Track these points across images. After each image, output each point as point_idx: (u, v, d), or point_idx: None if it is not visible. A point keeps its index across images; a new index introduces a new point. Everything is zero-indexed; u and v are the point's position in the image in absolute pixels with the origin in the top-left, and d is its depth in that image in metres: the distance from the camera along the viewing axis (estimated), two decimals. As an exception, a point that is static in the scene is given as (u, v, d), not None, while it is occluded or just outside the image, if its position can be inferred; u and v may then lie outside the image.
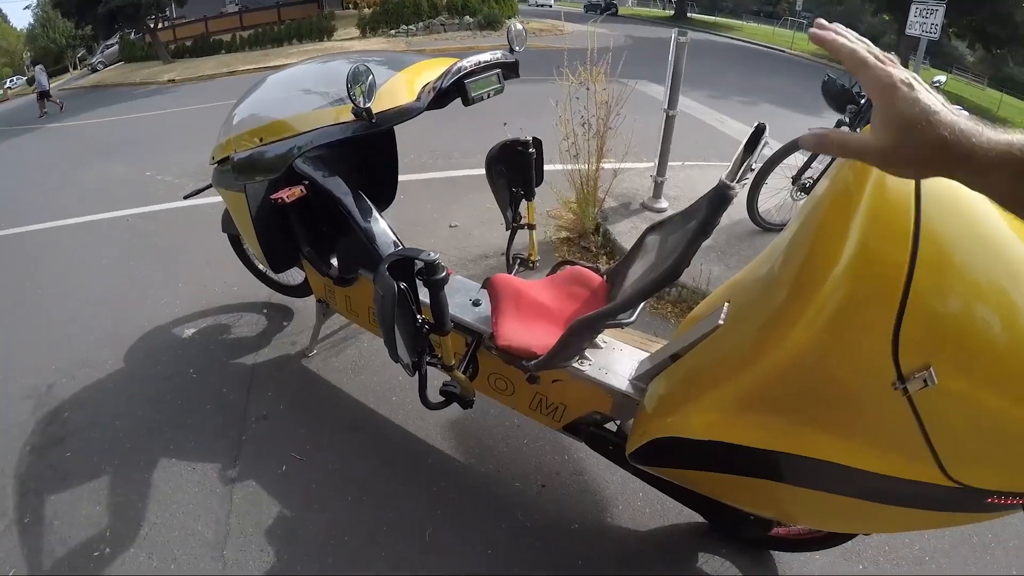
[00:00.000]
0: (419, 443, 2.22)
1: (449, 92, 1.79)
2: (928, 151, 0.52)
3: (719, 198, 0.98)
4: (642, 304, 1.52)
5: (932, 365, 0.82)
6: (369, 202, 2.06)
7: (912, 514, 1.04)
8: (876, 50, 0.59)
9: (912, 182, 0.86)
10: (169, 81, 15.08)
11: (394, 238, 2.00)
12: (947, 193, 0.85)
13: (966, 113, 0.54)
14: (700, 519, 1.90)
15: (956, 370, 0.83)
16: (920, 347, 0.84)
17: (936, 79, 3.96)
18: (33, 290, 3.43)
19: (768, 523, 1.70)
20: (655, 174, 3.94)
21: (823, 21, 0.62)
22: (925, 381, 0.82)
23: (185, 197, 2.82)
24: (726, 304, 1.21)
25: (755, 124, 1.21)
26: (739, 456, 1.11)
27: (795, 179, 3.91)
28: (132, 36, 22.56)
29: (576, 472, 2.11)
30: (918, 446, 0.90)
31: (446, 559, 1.82)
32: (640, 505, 2.00)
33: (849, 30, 0.62)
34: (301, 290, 2.83)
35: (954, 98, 3.81)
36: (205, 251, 3.74)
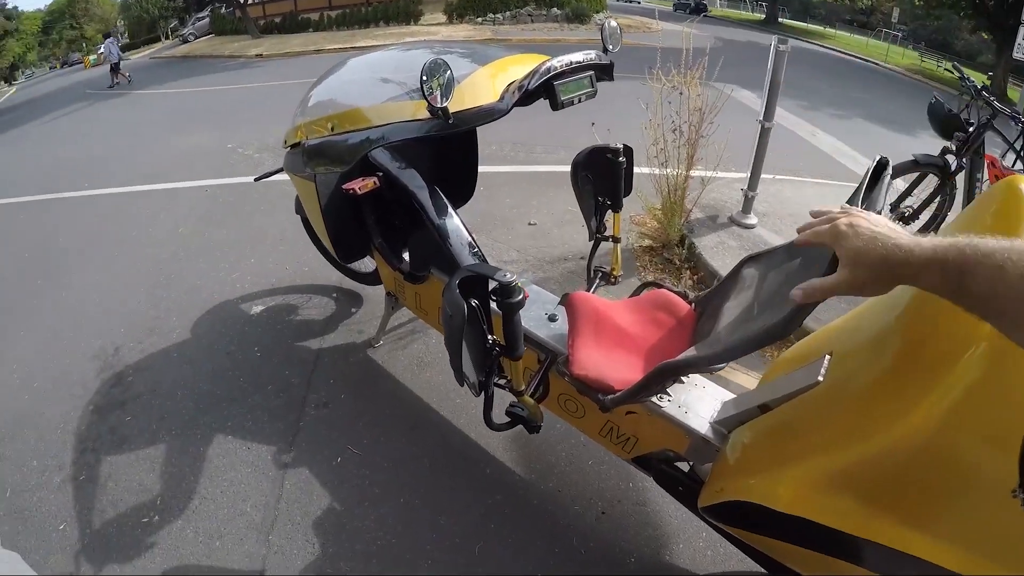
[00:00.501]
0: (479, 451, 2.16)
1: (536, 93, 1.68)
2: (876, 271, 0.70)
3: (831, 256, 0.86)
4: None
5: None
6: (445, 198, 1.99)
7: None
8: (833, 211, 0.83)
9: None
10: (256, 56, 15.55)
11: (469, 238, 1.92)
12: None
13: (899, 230, 0.71)
14: (761, 570, 1.78)
15: None
16: None
17: None
18: (109, 250, 3.56)
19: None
20: (746, 188, 3.74)
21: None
22: None
23: (256, 179, 2.83)
24: (827, 357, 1.09)
25: (876, 158, 1.08)
26: (823, 536, 1.00)
27: (894, 207, 3.67)
28: (223, 10, 23.42)
29: (639, 503, 2.00)
30: (1021, 556, 0.81)
31: (493, 576, 1.76)
32: (702, 547, 1.88)
33: (828, 208, 0.86)
34: (372, 278, 2.79)
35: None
36: (279, 229, 3.80)
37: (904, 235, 0.70)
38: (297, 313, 2.92)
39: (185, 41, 22.34)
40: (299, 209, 2.72)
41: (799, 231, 0.86)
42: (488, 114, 1.64)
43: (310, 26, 20.48)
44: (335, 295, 3.07)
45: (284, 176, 2.55)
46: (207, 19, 23.81)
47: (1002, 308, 0.57)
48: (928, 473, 0.86)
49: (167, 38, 25.00)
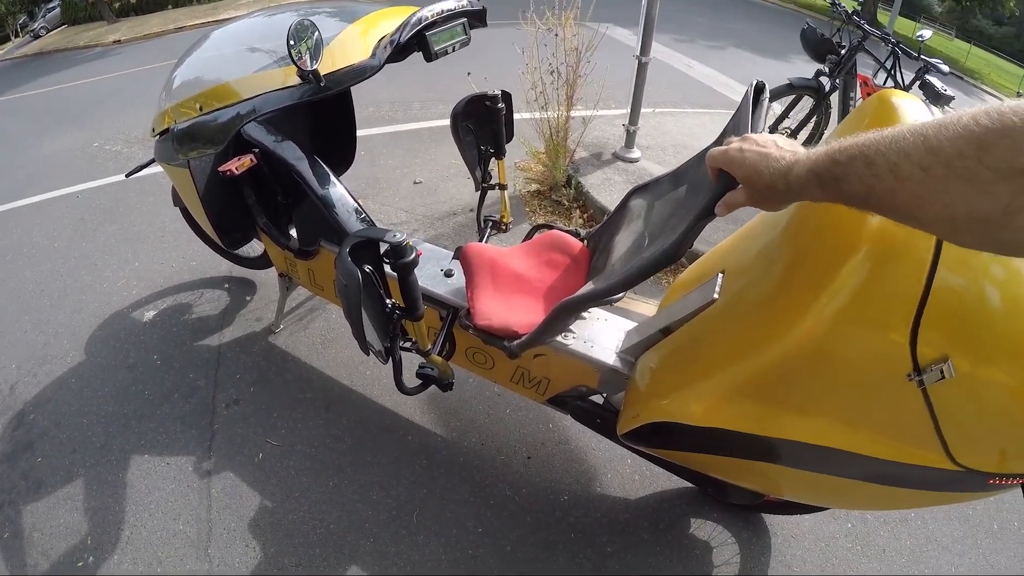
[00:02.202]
0: (397, 419, 2.15)
1: (409, 46, 1.62)
2: (766, 194, 0.75)
3: (728, 176, 0.87)
4: None
5: (950, 357, 0.79)
6: (326, 167, 1.90)
7: (915, 495, 1.02)
8: (731, 138, 0.84)
9: None
10: (114, 42, 14.25)
11: (355, 204, 1.85)
12: None
13: (785, 147, 0.75)
14: (690, 485, 1.88)
15: (971, 360, 0.80)
16: (939, 339, 0.80)
17: (920, 34, 3.88)
18: (-19, 282, 3.23)
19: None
20: (627, 123, 3.80)
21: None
22: (942, 373, 0.79)
23: (127, 175, 2.62)
24: (720, 275, 1.13)
25: (753, 83, 1.10)
26: (739, 442, 1.06)
27: (773, 128, 3.84)
28: (73, -3, 21.28)
29: (561, 442, 2.06)
30: (927, 435, 0.88)
31: (436, 540, 1.78)
32: (629, 473, 1.97)
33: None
34: (262, 261, 2.67)
35: (928, 49, 3.72)
36: (159, 225, 3.55)
37: (787, 154, 0.72)
38: (191, 311, 2.76)
39: (37, 36, 20.08)
40: (177, 200, 2.54)
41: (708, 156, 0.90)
42: (360, 72, 1.58)
43: (169, 3, 18.91)
44: (227, 286, 2.92)
45: (155, 169, 2.37)
46: (57, 9, 21.55)
47: (884, 203, 0.58)
48: (827, 371, 0.90)
49: (17, 36, 22.47)
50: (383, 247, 1.29)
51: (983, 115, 0.47)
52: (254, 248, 2.64)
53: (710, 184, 0.90)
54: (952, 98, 3.45)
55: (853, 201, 0.61)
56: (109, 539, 1.83)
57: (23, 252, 3.47)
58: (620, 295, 1.42)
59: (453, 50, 1.73)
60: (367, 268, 1.27)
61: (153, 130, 2.07)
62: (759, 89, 1.11)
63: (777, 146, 0.75)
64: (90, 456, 2.09)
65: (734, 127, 1.12)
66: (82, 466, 2.06)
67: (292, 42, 1.39)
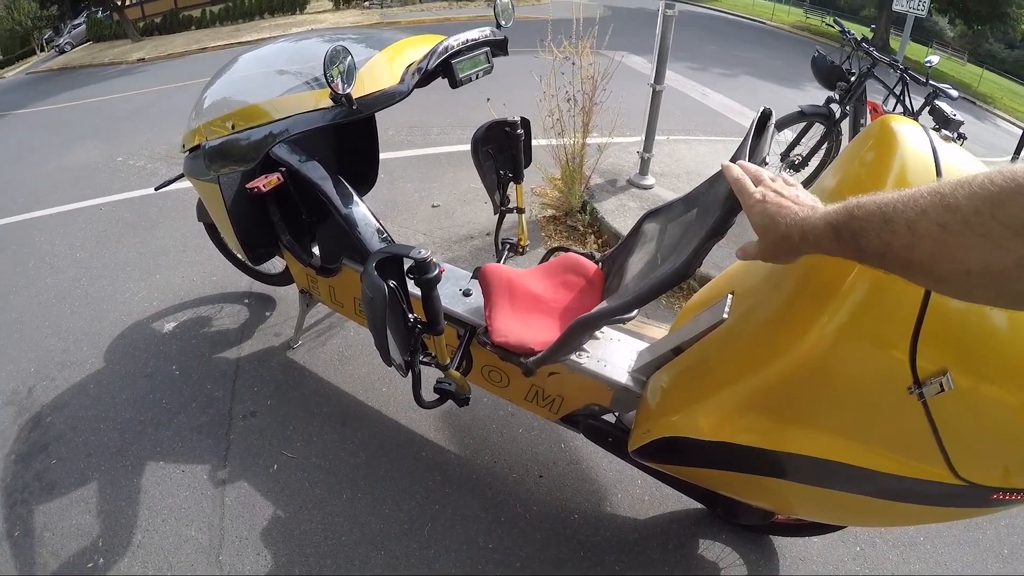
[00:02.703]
0: (412, 436, 2.18)
1: (434, 72, 1.69)
2: (781, 247, 0.77)
3: (734, 197, 0.91)
4: None
5: (949, 370, 0.82)
6: (349, 187, 1.97)
7: (919, 510, 1.03)
8: (764, 177, 0.85)
9: (933, 178, 0.87)
10: (138, 60, 14.61)
11: (377, 224, 1.91)
12: None
13: (804, 199, 0.77)
14: (699, 505, 1.89)
15: (971, 373, 0.82)
16: (938, 352, 0.82)
17: (928, 59, 3.92)
18: (5, 288, 3.30)
19: (768, 511, 1.69)
20: (642, 150, 3.86)
21: (728, 164, 0.91)
22: (942, 386, 0.82)
23: (156, 189, 2.70)
24: (729, 296, 1.17)
25: (760, 109, 1.15)
26: (747, 456, 1.08)
27: (784, 155, 3.87)
28: (99, 14, 21.81)
29: (573, 461, 2.08)
30: (929, 448, 0.90)
31: (446, 555, 1.79)
32: (639, 493, 1.98)
33: (748, 164, 0.89)
34: (283, 278, 2.73)
35: (937, 74, 3.76)
36: (182, 239, 3.63)
37: (805, 207, 0.74)
38: (211, 324, 2.82)
39: (62, 52, 20.61)
40: (201, 216, 2.61)
41: (723, 167, 0.93)
42: (390, 97, 1.63)
43: (192, 24, 19.34)
44: (247, 301, 2.98)
45: (181, 184, 2.44)
46: (83, 25, 22.10)
47: (900, 259, 0.59)
48: (830, 385, 0.93)
49: (42, 50, 22.98)
50: (407, 263, 1.34)
51: (997, 175, 0.50)
52: (275, 265, 2.70)
53: (719, 205, 0.94)
54: (962, 123, 3.47)
55: (868, 256, 0.63)
56: (120, 542, 1.85)
57: (46, 260, 3.56)
58: (634, 313, 1.46)
59: (477, 77, 1.79)
60: (392, 283, 1.32)
61: (183, 146, 2.14)
62: (766, 116, 1.15)
63: (798, 198, 0.77)
64: (105, 460, 2.12)
65: (739, 154, 1.16)
66: (97, 470, 2.09)
67: (327, 67, 1.45)
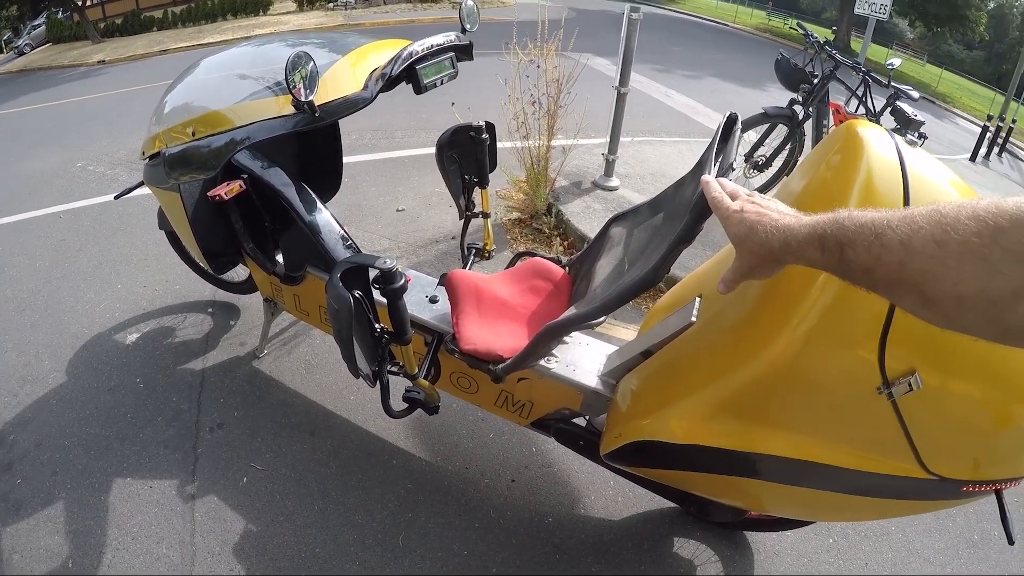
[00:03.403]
0: (382, 444, 2.16)
1: (398, 78, 1.67)
2: (759, 255, 0.73)
3: (702, 203, 0.91)
4: None
5: (917, 369, 0.83)
6: (313, 194, 1.94)
7: (892, 504, 1.06)
8: (740, 192, 0.83)
9: (899, 182, 0.88)
10: (99, 62, 14.22)
11: (341, 231, 1.89)
12: (933, 197, 0.86)
13: (788, 210, 0.74)
14: (672, 505, 1.91)
15: (938, 370, 0.84)
16: (906, 352, 0.84)
17: (890, 62, 4.03)
18: (-39, 302, 3.19)
19: (741, 508, 1.71)
20: (607, 152, 3.89)
21: (707, 179, 0.88)
22: (910, 385, 0.84)
23: (116, 198, 2.63)
24: (697, 299, 1.18)
25: (726, 115, 1.16)
26: (719, 458, 1.09)
27: (748, 156, 3.93)
28: (59, 15, 21.20)
29: (545, 464, 2.08)
30: (899, 445, 0.92)
31: (422, 563, 1.78)
32: (612, 494, 1.99)
33: (726, 181, 0.87)
34: (247, 286, 2.68)
35: (898, 75, 3.86)
36: (143, 247, 3.55)
37: (787, 215, 0.71)
38: (174, 335, 2.76)
39: (21, 53, 19.92)
40: (163, 224, 2.55)
41: (703, 182, 0.89)
42: (353, 104, 1.61)
43: (154, 25, 18.89)
44: (211, 310, 2.92)
45: (142, 191, 2.38)
46: (43, 27, 21.45)
47: (889, 276, 0.56)
48: (801, 387, 0.95)
49: (1, 52, 22.27)
50: (372, 273, 1.33)
51: (1003, 203, 0.49)
52: (239, 273, 2.65)
53: (687, 210, 0.94)
54: (923, 123, 3.56)
55: (853, 269, 0.60)
56: (91, 563, 1.80)
57: (3, 271, 3.44)
58: (602, 319, 1.47)
59: (442, 83, 1.78)
60: (357, 293, 1.31)
61: (143, 153, 2.09)
62: (731, 120, 1.17)
63: (778, 210, 0.74)
64: (72, 478, 2.06)
65: (707, 158, 1.17)
66: (63, 488, 2.03)
67: (289, 73, 1.42)
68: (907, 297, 0.56)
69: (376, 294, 1.38)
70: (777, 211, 0.73)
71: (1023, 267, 0.47)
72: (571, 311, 1.39)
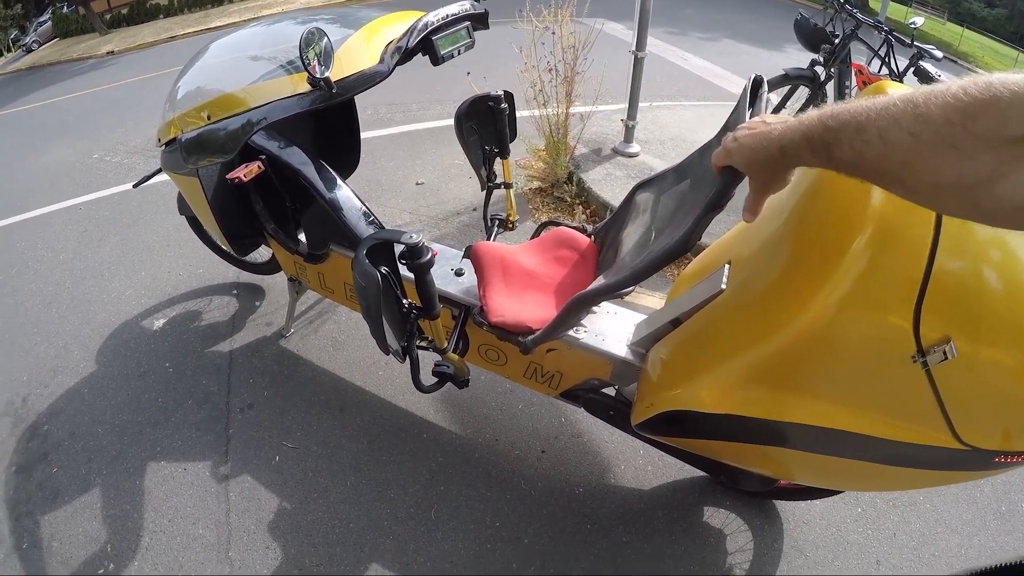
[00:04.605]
0: (412, 418, 2.18)
1: (414, 50, 1.63)
2: (765, 168, 0.77)
3: (732, 170, 0.88)
4: None
5: (952, 338, 0.82)
6: (332, 171, 1.93)
7: (923, 474, 1.04)
8: (728, 135, 0.84)
9: None
10: (108, 53, 14.25)
11: (363, 207, 1.88)
12: None
13: (774, 120, 0.78)
14: (702, 474, 1.90)
15: (972, 339, 0.83)
16: (941, 320, 0.83)
17: (912, 21, 3.89)
18: (-12, 297, 3.25)
19: (771, 477, 1.70)
20: (625, 118, 3.83)
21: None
22: (945, 354, 0.82)
23: (135, 186, 2.64)
24: (727, 266, 1.15)
25: (751, 76, 1.12)
26: (750, 427, 1.09)
27: (772, 116, 3.85)
28: (64, 9, 21.25)
29: (574, 435, 2.08)
30: (933, 414, 0.91)
31: (454, 536, 1.80)
32: (641, 464, 1.99)
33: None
34: (270, 267, 2.69)
35: (920, 34, 3.74)
36: (164, 234, 3.58)
37: (779, 125, 0.73)
38: (201, 319, 2.79)
39: (29, 51, 20.04)
40: (183, 209, 2.56)
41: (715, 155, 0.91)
42: (370, 79, 1.57)
43: (160, 12, 18.88)
44: (235, 292, 2.95)
45: (160, 178, 2.39)
46: (49, 22, 21.52)
47: (872, 169, 0.58)
48: (833, 355, 0.93)
49: (9, 51, 22.38)
50: (399, 248, 1.32)
51: (971, 85, 0.49)
52: (261, 254, 2.66)
53: (715, 177, 0.92)
54: None
55: (842, 166, 0.62)
56: (129, 546, 1.84)
57: (28, 265, 3.49)
58: (631, 288, 1.45)
59: (459, 53, 1.74)
60: (384, 269, 1.30)
61: (159, 140, 2.09)
62: (757, 83, 1.13)
63: (765, 123, 0.77)
64: (106, 465, 2.11)
65: (734, 121, 1.14)
66: (99, 475, 2.07)
67: (303, 50, 1.40)
68: (892, 187, 0.58)
69: (403, 269, 1.37)
70: (764, 124, 0.77)
71: (994, 153, 0.48)
72: (600, 280, 1.38)
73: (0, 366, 2.68)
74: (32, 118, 8.05)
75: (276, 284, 2.92)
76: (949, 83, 0.51)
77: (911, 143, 0.52)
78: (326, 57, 1.44)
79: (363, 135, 2.48)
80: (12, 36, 23.54)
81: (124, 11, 19.62)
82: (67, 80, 11.21)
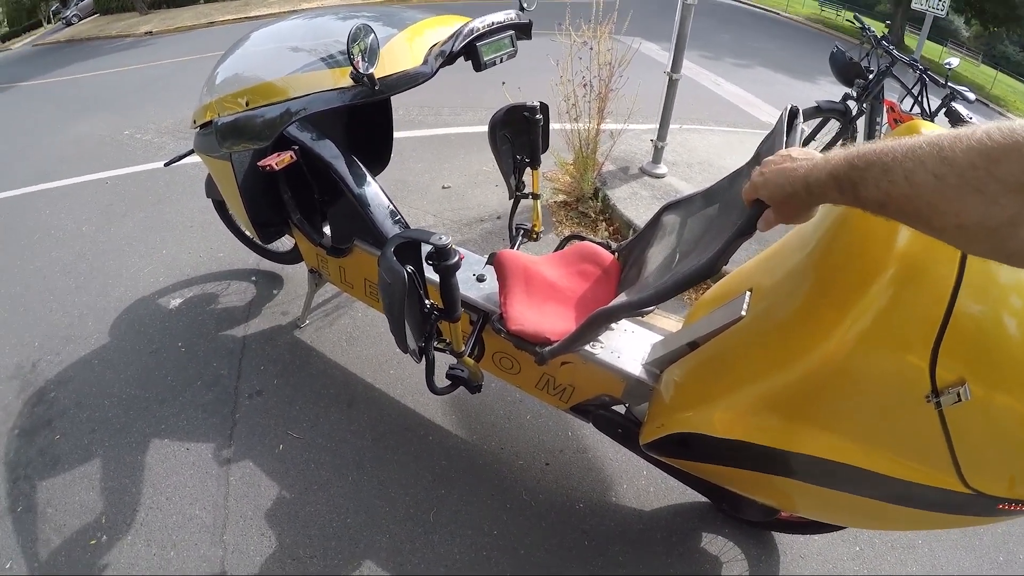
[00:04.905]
0: (419, 419, 2.18)
1: (458, 55, 1.64)
2: (791, 205, 0.78)
3: (760, 202, 0.89)
4: None
5: (967, 381, 0.82)
6: (363, 167, 1.94)
7: (925, 516, 1.04)
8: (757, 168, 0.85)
9: None
10: (146, 33, 14.46)
11: (390, 206, 1.89)
12: None
13: (801, 157, 0.77)
14: (703, 499, 1.89)
15: (987, 384, 0.83)
16: (958, 362, 0.82)
17: (948, 61, 3.89)
18: (9, 261, 3.29)
19: (773, 508, 1.69)
20: (655, 139, 3.83)
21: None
22: (959, 396, 0.82)
23: (166, 164, 2.67)
24: (747, 293, 1.15)
25: (787, 107, 1.13)
26: (760, 455, 1.08)
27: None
28: (109, -14, 21.60)
29: (580, 450, 2.08)
30: (942, 455, 0.90)
31: (451, 540, 1.79)
32: (644, 484, 1.98)
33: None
34: (291, 256, 2.71)
35: (955, 75, 3.73)
36: (188, 215, 3.62)
37: (805, 162, 0.74)
38: (217, 302, 2.81)
39: (69, 24, 20.34)
40: (210, 192, 2.59)
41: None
42: (413, 79, 1.58)
43: (200, -2, 19.16)
44: (254, 278, 2.97)
45: (188, 160, 2.42)
46: (90, -2, 21.91)
47: (899, 209, 0.59)
48: (848, 390, 0.93)
49: (49, 22, 22.75)
50: (426, 249, 1.32)
51: (995, 130, 0.50)
52: (284, 243, 2.68)
53: (744, 204, 0.92)
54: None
55: (869, 205, 0.63)
56: (124, 519, 1.85)
57: (51, 234, 3.54)
58: (653, 307, 1.44)
59: (501, 61, 1.75)
60: (409, 268, 1.30)
61: (195, 122, 2.11)
62: (793, 114, 1.13)
63: (791, 158, 0.78)
64: (109, 437, 2.12)
65: (768, 149, 1.14)
66: (100, 446, 2.09)
67: (350, 45, 1.41)
68: (918, 226, 0.59)
69: (428, 270, 1.37)
70: (791, 159, 0.78)
71: (1017, 196, 0.48)
72: (623, 297, 1.37)
73: (13, 329, 2.71)
74: (67, 90, 8.17)
75: (295, 274, 2.94)
76: (975, 127, 0.52)
77: (936, 185, 0.53)
78: (371, 54, 1.45)
79: (394, 135, 2.50)
80: (53, 8, 23.95)
81: (165, -7, 19.88)
82: (104, 56, 11.38)
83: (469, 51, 1.64)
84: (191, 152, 2.30)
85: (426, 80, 1.58)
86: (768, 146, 1.15)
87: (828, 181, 0.67)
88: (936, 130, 0.93)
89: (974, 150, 0.50)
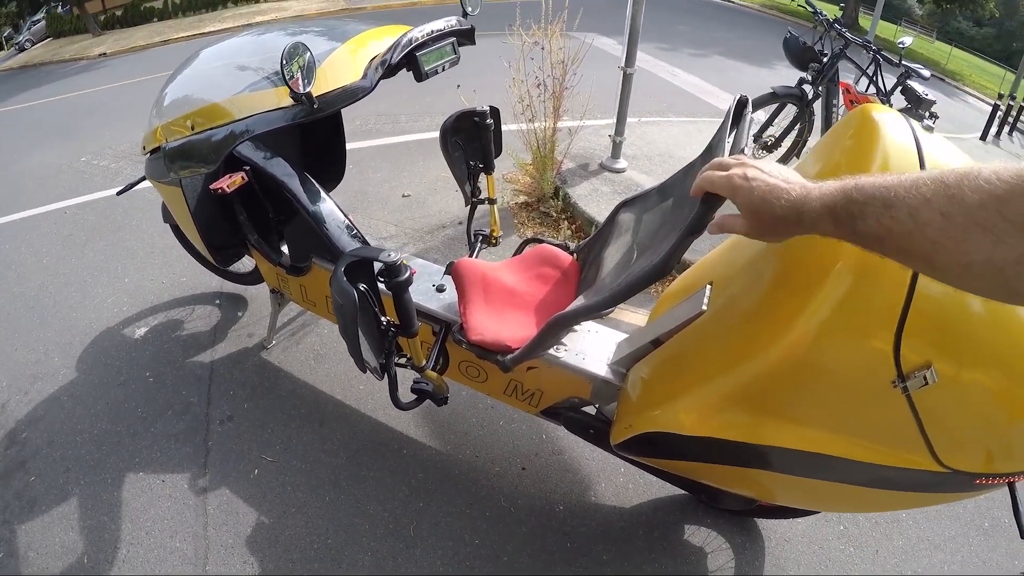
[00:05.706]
0: (392, 433, 2.16)
1: (398, 65, 1.63)
2: (773, 227, 0.74)
3: (714, 196, 0.87)
4: None
5: (933, 363, 0.82)
6: (316, 184, 1.92)
7: (904, 496, 1.04)
8: (727, 160, 0.83)
9: (916, 169, 0.87)
10: (100, 55, 14.19)
11: (345, 221, 1.87)
12: None
13: (792, 179, 0.73)
14: (683, 492, 1.90)
15: (953, 362, 0.83)
16: (922, 345, 0.82)
17: (901, 40, 3.94)
18: (-31, 300, 3.20)
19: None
20: (613, 134, 3.85)
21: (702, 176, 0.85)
22: (925, 379, 0.82)
23: (118, 193, 2.62)
24: (708, 287, 1.15)
25: (736, 96, 1.13)
26: (730, 449, 1.08)
27: (757, 136, 3.88)
28: (59, 9, 21.17)
29: (555, 452, 2.08)
30: (914, 438, 0.90)
31: (433, 553, 1.79)
32: (622, 482, 1.99)
33: (713, 160, 0.87)
34: (252, 277, 2.68)
35: (908, 53, 3.79)
36: (149, 241, 3.55)
37: (796, 186, 0.71)
38: (183, 328, 2.76)
39: (22, 49, 19.91)
40: (167, 217, 2.54)
41: (701, 178, 0.87)
42: (352, 94, 1.57)
43: (154, 15, 18.82)
44: (218, 301, 2.93)
45: (145, 185, 2.37)
46: (42, 22, 21.41)
47: (899, 246, 0.58)
48: (814, 380, 0.93)
49: (1, 49, 22.24)
50: (377, 266, 1.31)
51: (1004, 170, 0.50)
52: (245, 264, 2.64)
53: (697, 200, 0.92)
54: (934, 102, 3.51)
55: (866, 240, 0.62)
56: (106, 557, 1.82)
57: (11, 268, 3.46)
58: (611, 310, 1.45)
59: (443, 69, 1.74)
60: (362, 287, 1.29)
61: (144, 148, 2.07)
62: (742, 103, 1.14)
63: (786, 179, 0.74)
64: (84, 475, 2.08)
65: (718, 142, 1.14)
66: (77, 485, 2.05)
67: (285, 64, 1.39)
68: (917, 264, 0.59)
69: (382, 286, 1.36)
70: (784, 181, 0.73)
71: None
72: (579, 301, 1.37)
73: (-22, 372, 2.63)
74: (21, 118, 7.99)
75: (259, 294, 2.90)
76: (980, 167, 0.53)
77: (942, 223, 0.53)
78: (308, 72, 1.43)
79: (351, 145, 2.48)
80: (5, 34, 23.40)
81: (118, 12, 19.55)
82: (58, 81, 11.15)
83: (410, 61, 1.63)
84: (143, 178, 2.26)
85: (365, 95, 1.57)
86: (718, 138, 1.16)
87: (823, 212, 0.66)
88: (897, 121, 0.94)
89: (983, 190, 0.51)
